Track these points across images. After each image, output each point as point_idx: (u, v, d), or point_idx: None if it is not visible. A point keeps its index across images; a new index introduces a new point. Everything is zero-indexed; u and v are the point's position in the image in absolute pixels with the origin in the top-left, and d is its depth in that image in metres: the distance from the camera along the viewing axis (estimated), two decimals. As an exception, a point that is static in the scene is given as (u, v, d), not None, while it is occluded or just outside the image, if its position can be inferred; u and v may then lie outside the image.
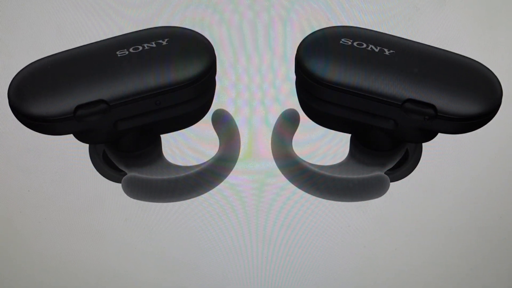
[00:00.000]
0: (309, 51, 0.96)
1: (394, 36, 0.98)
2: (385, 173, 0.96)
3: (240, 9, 1.09)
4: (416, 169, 1.02)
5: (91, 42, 0.97)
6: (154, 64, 0.94)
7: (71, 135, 0.95)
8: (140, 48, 0.95)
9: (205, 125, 1.01)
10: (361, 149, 0.99)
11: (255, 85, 1.06)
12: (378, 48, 0.96)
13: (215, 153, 0.98)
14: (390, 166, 0.98)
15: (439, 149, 1.02)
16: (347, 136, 1.01)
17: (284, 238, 1.01)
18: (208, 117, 1.00)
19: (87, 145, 1.00)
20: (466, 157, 1.05)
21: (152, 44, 0.96)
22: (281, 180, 0.98)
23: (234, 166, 0.98)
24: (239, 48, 1.07)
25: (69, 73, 0.93)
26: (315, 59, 0.95)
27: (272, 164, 0.99)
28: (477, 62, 0.97)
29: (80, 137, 0.96)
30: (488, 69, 0.96)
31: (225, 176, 0.97)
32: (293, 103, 1.01)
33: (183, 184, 0.94)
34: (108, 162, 1.00)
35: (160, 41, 0.96)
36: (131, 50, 0.95)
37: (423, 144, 1.01)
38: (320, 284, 1.01)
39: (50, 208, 1.03)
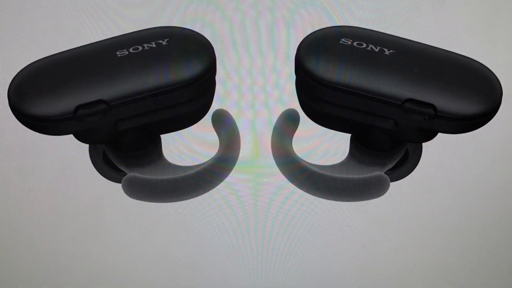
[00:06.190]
0: (309, 51, 0.96)
1: (394, 35, 0.98)
2: (385, 173, 0.96)
3: (243, 7, 1.09)
4: (416, 169, 1.02)
5: (91, 42, 0.97)
6: (154, 64, 0.94)
7: (71, 135, 0.95)
8: (140, 48, 0.95)
9: (205, 125, 1.01)
10: (361, 149, 0.99)
11: (258, 86, 1.06)
12: (378, 48, 0.96)
13: (215, 153, 0.98)
14: (390, 166, 0.98)
15: (439, 149, 1.02)
16: (347, 135, 1.01)
17: (283, 238, 1.01)
18: (208, 117, 1.00)
19: (87, 145, 1.00)
20: (466, 157, 1.05)
21: (152, 44, 0.96)
22: (280, 179, 0.98)
23: (234, 167, 0.98)
24: (242, 50, 1.07)
25: (69, 73, 0.93)
26: (315, 59, 0.95)
27: (271, 163, 0.99)
28: (477, 62, 0.97)
29: (80, 137, 0.96)
30: (488, 69, 0.96)
31: (224, 177, 0.97)
32: (296, 103, 1.01)
33: (183, 184, 0.94)
34: (108, 162, 1.00)
35: (160, 41, 0.96)
36: (131, 50, 0.95)
37: (423, 144, 1.01)
38: (320, 284, 1.01)
39: (50, 208, 1.03)
